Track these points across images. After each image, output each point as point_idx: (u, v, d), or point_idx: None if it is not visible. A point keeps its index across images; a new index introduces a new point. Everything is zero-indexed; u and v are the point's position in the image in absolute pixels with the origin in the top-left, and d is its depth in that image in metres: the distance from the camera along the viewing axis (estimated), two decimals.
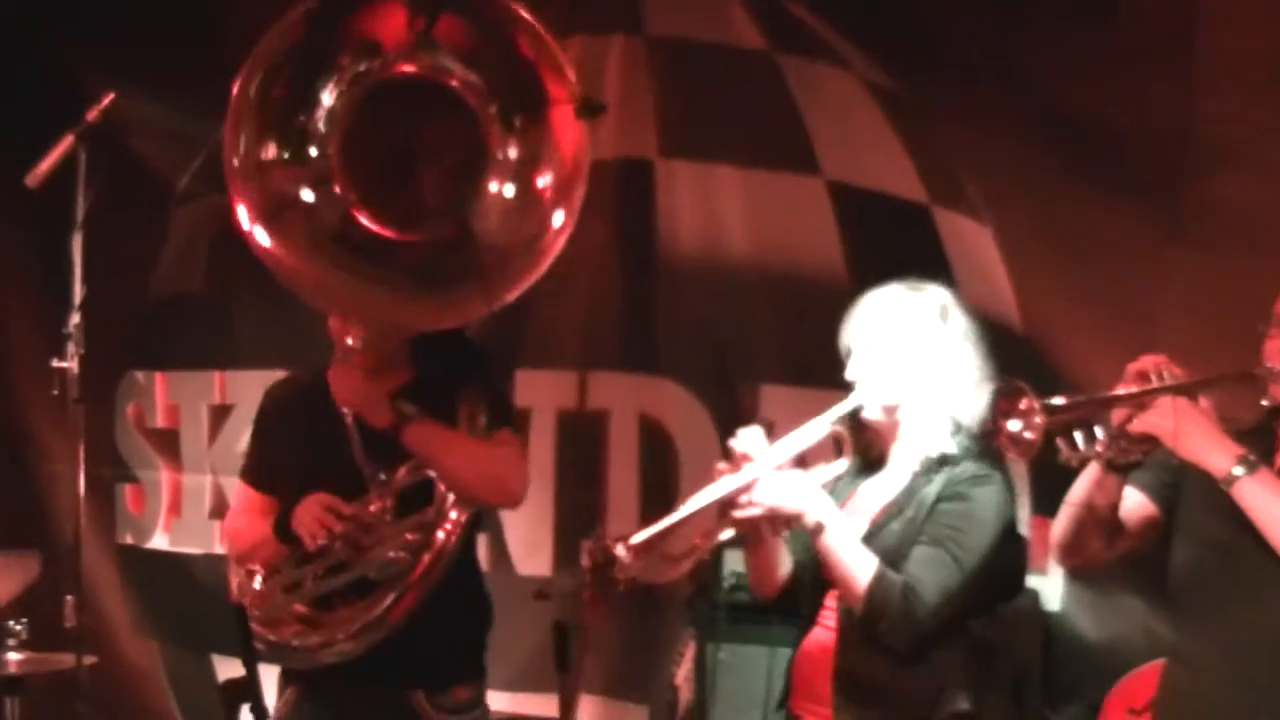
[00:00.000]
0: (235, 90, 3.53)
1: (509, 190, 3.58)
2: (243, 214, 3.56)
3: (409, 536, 3.94)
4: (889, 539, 3.59)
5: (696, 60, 5.37)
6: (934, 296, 3.73)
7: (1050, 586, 4.99)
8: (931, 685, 3.63)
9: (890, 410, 3.68)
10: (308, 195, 3.57)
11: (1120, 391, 3.37)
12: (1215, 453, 3.29)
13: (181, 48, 5.52)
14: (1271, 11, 4.65)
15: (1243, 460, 3.26)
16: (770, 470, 3.56)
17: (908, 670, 3.59)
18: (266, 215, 3.55)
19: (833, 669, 3.64)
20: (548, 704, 3.95)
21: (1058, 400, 3.31)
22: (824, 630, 3.72)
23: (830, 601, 3.71)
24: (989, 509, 3.59)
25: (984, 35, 5.02)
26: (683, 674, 4.97)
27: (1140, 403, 3.34)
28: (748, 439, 3.59)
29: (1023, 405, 3.27)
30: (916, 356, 3.66)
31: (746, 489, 3.54)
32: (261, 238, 3.54)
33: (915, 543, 3.57)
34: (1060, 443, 3.38)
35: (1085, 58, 4.86)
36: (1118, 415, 3.37)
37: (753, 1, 5.36)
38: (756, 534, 3.69)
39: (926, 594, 3.51)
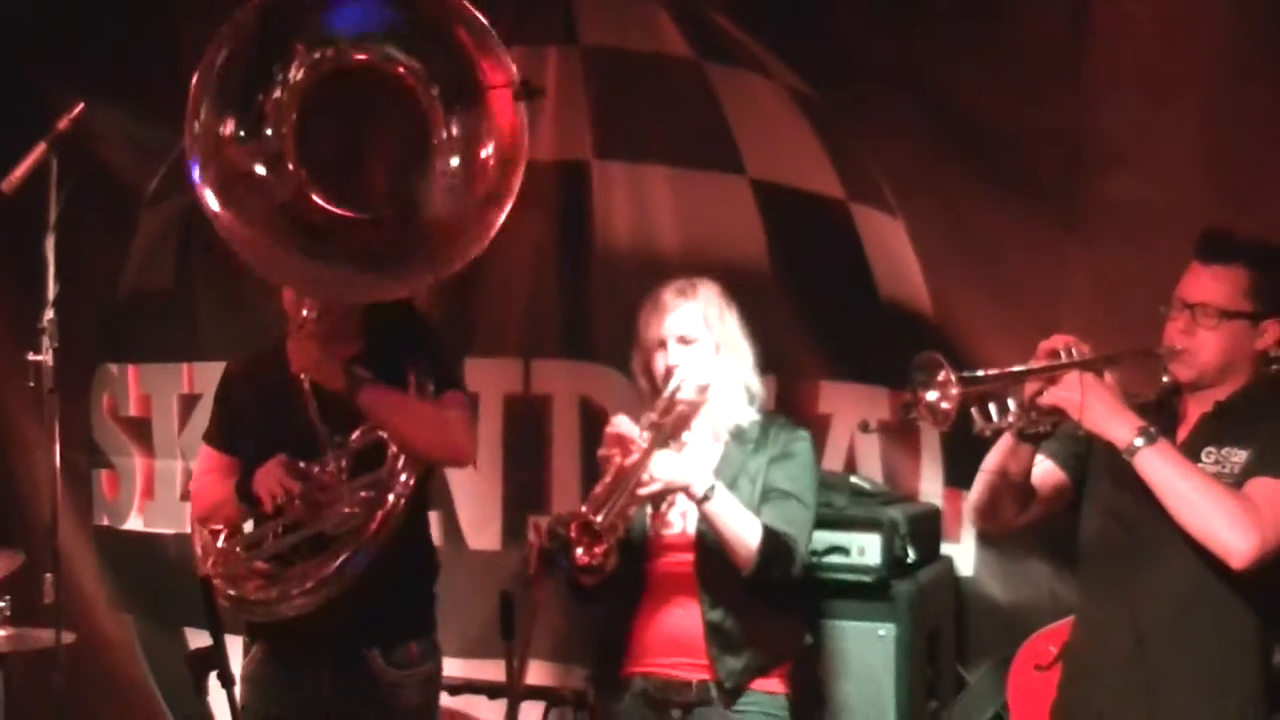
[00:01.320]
0: (200, 65, 3.51)
1: (453, 164, 3.58)
2: (200, 182, 3.52)
3: (363, 494, 3.91)
4: None
5: (628, 68, 5.37)
6: (715, 288, 4.03)
7: (962, 553, 5.05)
8: (788, 623, 3.98)
9: (703, 390, 3.89)
10: (261, 170, 3.57)
11: (1032, 366, 3.41)
12: (1118, 425, 3.33)
13: (145, 60, 5.49)
14: (1155, 22, 4.69)
15: (1143, 432, 3.30)
16: (657, 450, 3.72)
17: (773, 614, 3.88)
18: (222, 186, 3.53)
19: (702, 622, 3.82)
20: (498, 669, 3.94)
21: (973, 373, 3.36)
22: (663, 590, 3.90)
23: (662, 568, 3.91)
24: (810, 456, 3.99)
25: (893, 46, 5.05)
26: None
27: (1050, 377, 3.38)
28: (625, 424, 3.77)
29: (940, 377, 3.31)
30: (717, 339, 3.93)
31: (643, 467, 3.68)
32: (216, 206, 3.52)
33: (764, 500, 3.84)
34: (975, 414, 3.42)
35: (986, 66, 4.91)
36: (1028, 388, 3.41)
37: (680, 13, 5.36)
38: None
39: (800, 539, 3.82)
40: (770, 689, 3.87)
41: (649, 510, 3.90)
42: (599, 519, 3.56)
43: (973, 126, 4.96)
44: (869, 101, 5.13)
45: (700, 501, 3.72)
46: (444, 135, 3.58)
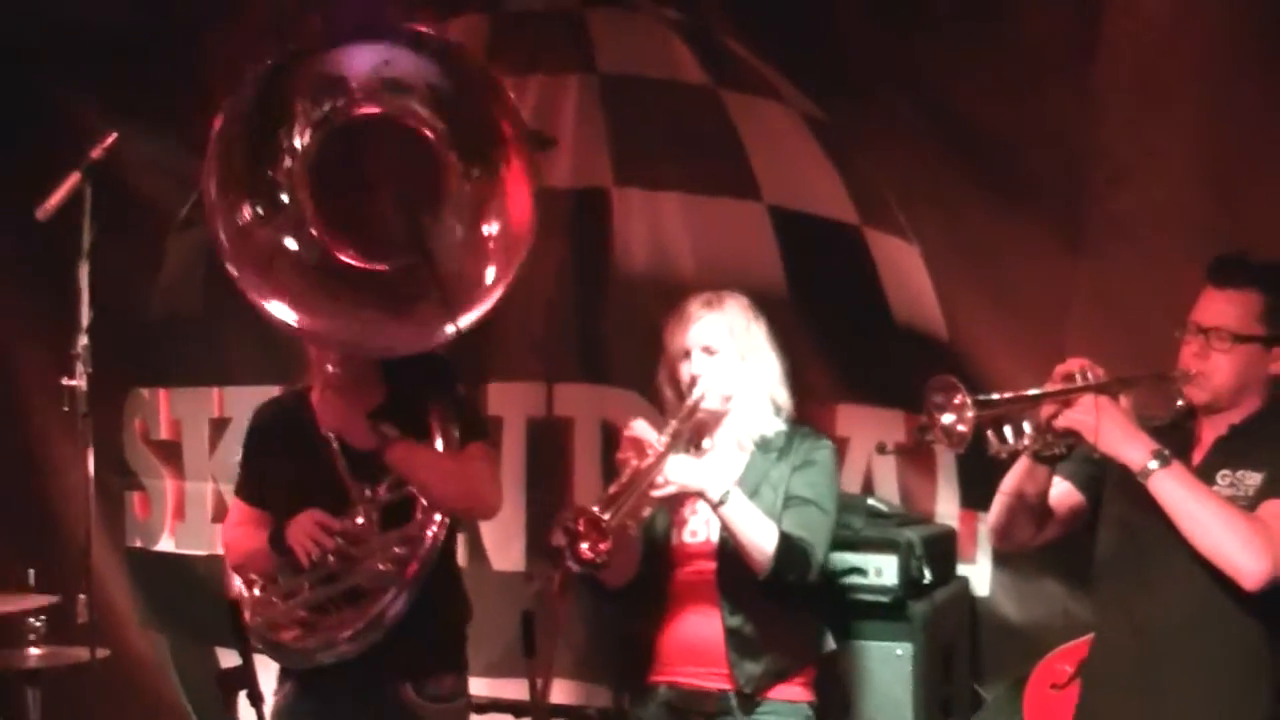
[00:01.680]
0: (208, 152, 3.57)
1: (458, 229, 3.63)
2: (241, 279, 3.61)
3: (396, 550, 3.94)
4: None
5: (645, 96, 5.38)
6: (743, 300, 4.02)
7: (978, 573, 5.04)
8: (807, 631, 3.95)
9: (727, 399, 3.92)
10: (291, 244, 3.60)
11: (1047, 389, 3.42)
12: (1132, 447, 3.33)
13: (175, 91, 5.52)
14: (1156, 42, 4.68)
15: (1157, 454, 3.30)
16: (673, 454, 3.74)
17: (793, 621, 3.87)
18: (259, 272, 3.59)
19: (722, 629, 3.82)
20: (522, 688, 3.96)
21: (988, 396, 3.36)
22: (686, 599, 3.91)
23: (686, 576, 3.92)
24: (831, 464, 3.99)
25: (903, 69, 5.04)
26: None
27: (1065, 400, 3.38)
28: (643, 429, 3.79)
29: (956, 400, 3.31)
30: (742, 350, 3.93)
31: (657, 469, 3.69)
32: (262, 296, 3.59)
33: (785, 506, 3.83)
34: (990, 436, 3.42)
35: (995, 86, 4.89)
36: (1044, 411, 3.42)
37: (696, 41, 5.37)
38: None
39: (817, 544, 3.81)
40: (790, 696, 3.85)
41: (671, 518, 3.93)
42: (606, 516, 3.56)
43: (981, 146, 4.95)
44: (880, 125, 5.12)
45: (716, 506, 3.72)
46: (456, 186, 3.63)
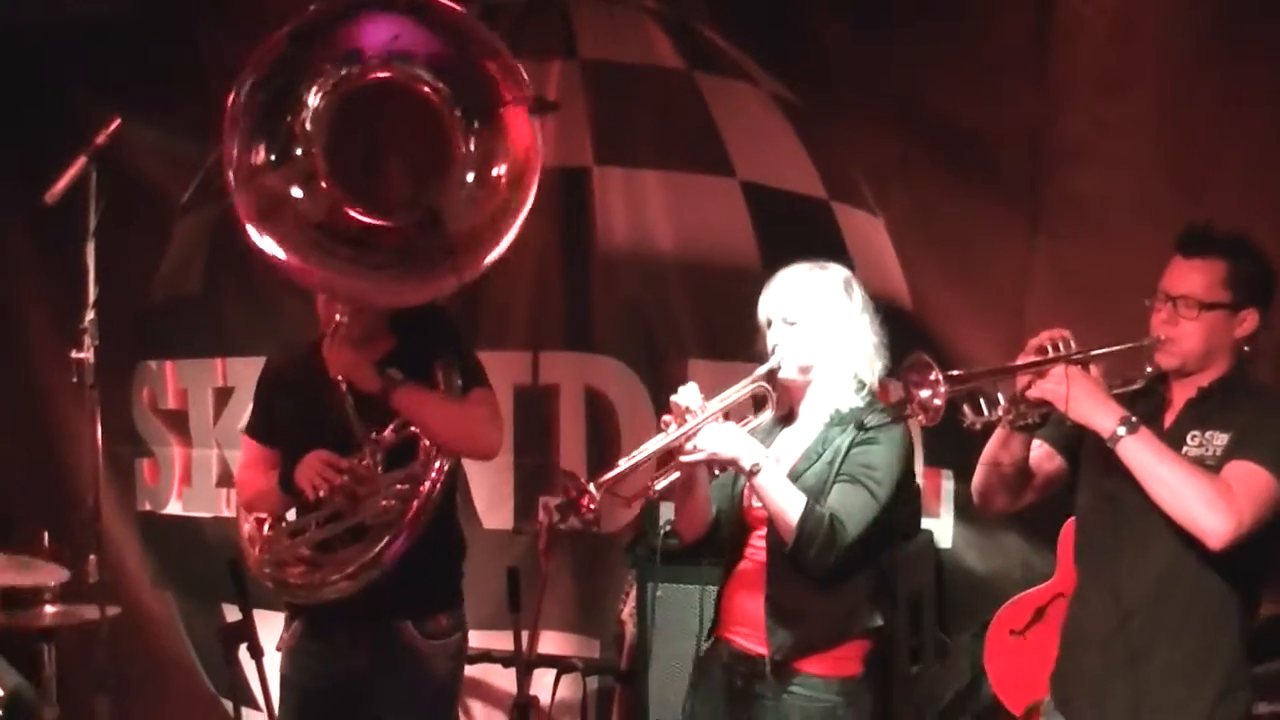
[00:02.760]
0: (229, 100, 3.52)
1: (469, 179, 3.57)
2: (245, 220, 3.53)
3: (399, 487, 3.93)
4: (809, 480, 3.64)
5: (624, 79, 5.38)
6: (838, 274, 3.78)
7: (941, 527, 5.07)
8: (846, 606, 3.70)
9: (805, 370, 3.73)
10: (297, 192, 3.57)
11: (1020, 361, 3.39)
12: (1102, 415, 3.30)
13: (176, 78, 5.52)
14: (1111, 27, 4.71)
15: (1125, 421, 3.27)
16: (710, 421, 3.60)
17: (827, 594, 3.66)
18: (264, 215, 3.54)
19: (764, 596, 3.69)
20: (511, 639, 3.99)
21: (961, 371, 3.35)
22: (750, 565, 3.76)
23: (755, 541, 3.76)
24: (895, 450, 3.66)
25: (869, 53, 5.06)
26: (627, 610, 5.02)
27: (1038, 371, 3.35)
28: (688, 394, 3.63)
29: (931, 377, 3.28)
30: (826, 324, 3.71)
31: (691, 437, 3.57)
32: (264, 241, 3.52)
33: (835, 481, 3.63)
34: (965, 408, 3.41)
35: (956, 71, 4.91)
36: (1018, 382, 3.40)
37: (672, 27, 5.38)
38: (691, 482, 3.74)
39: (850, 523, 3.57)
40: (821, 671, 3.66)
41: (743, 486, 3.78)
42: (592, 486, 3.49)
43: (943, 126, 4.97)
44: (847, 105, 5.14)
45: (748, 475, 3.59)
46: (463, 150, 3.58)
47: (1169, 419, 3.44)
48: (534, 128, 3.62)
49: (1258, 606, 3.42)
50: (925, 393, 3.30)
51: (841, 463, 3.65)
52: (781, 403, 3.83)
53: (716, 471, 3.79)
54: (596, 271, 5.40)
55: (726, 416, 3.69)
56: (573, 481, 3.54)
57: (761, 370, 3.71)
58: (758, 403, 3.82)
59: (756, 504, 3.73)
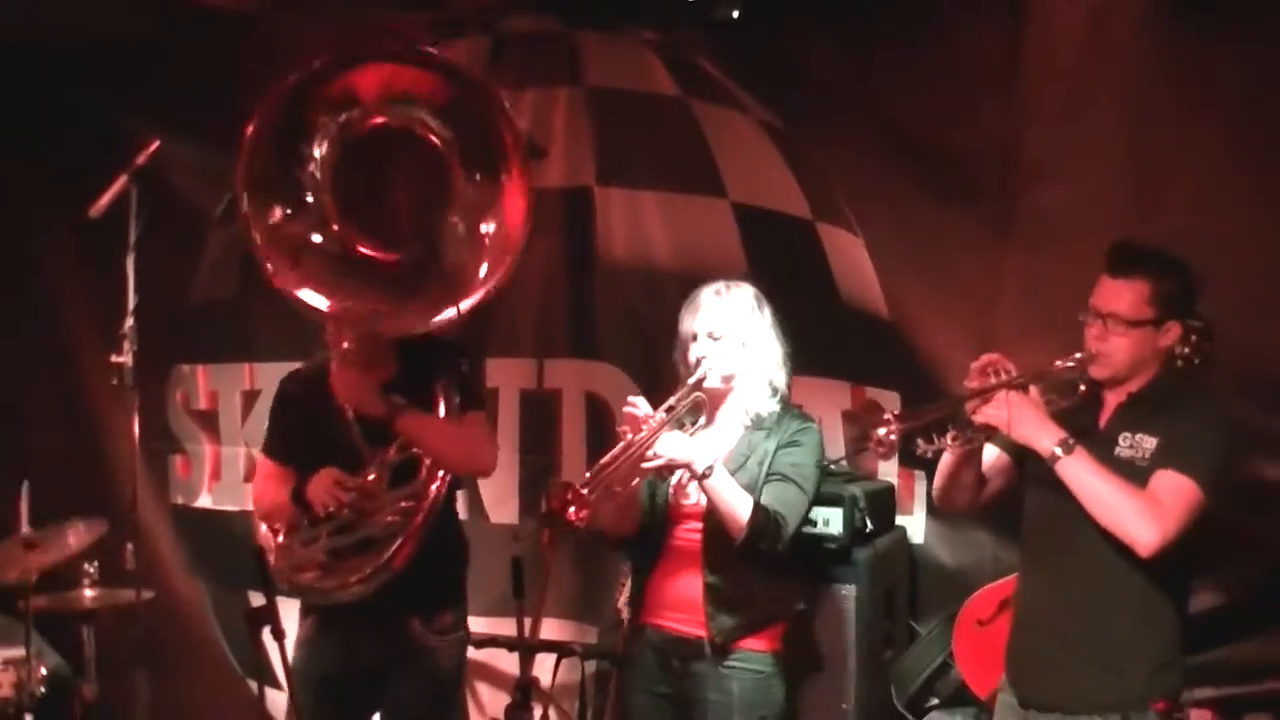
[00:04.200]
0: (239, 165, 3.60)
1: (461, 227, 3.66)
2: (272, 271, 3.65)
3: (403, 504, 3.98)
4: (740, 480, 3.77)
5: (625, 106, 5.40)
6: (748, 291, 3.95)
7: (914, 524, 5.09)
8: (779, 591, 3.89)
9: (728, 379, 3.88)
10: (316, 238, 3.64)
11: (965, 392, 3.47)
12: (1041, 437, 3.39)
13: (211, 101, 5.53)
14: (1076, 57, 4.72)
15: (1063, 443, 3.36)
16: (664, 430, 3.71)
17: (764, 582, 3.82)
18: (289, 263, 3.64)
19: (702, 584, 3.81)
20: (514, 625, 4.01)
21: (910, 410, 3.47)
22: (678, 554, 3.89)
23: (682, 533, 3.89)
24: (816, 451, 3.88)
25: (850, 82, 5.07)
26: (623, 599, 5.00)
27: (984, 398, 3.42)
28: (641, 404, 3.76)
29: (885, 417, 3.41)
30: (744, 338, 3.87)
31: (649, 445, 3.68)
32: (291, 284, 3.63)
33: (766, 481, 3.78)
34: (919, 440, 3.48)
35: (931, 96, 4.92)
36: (965, 408, 3.47)
37: (669, 58, 5.40)
38: (636, 486, 3.84)
39: (790, 515, 3.76)
40: (757, 648, 3.84)
41: (672, 483, 3.90)
42: (585, 491, 3.58)
43: (919, 147, 4.97)
44: (830, 131, 5.15)
45: (700, 478, 3.70)
46: (461, 191, 3.66)
47: (1103, 421, 3.52)
48: (528, 208, 3.70)
49: (1188, 593, 3.50)
50: (881, 431, 3.40)
51: (772, 463, 3.80)
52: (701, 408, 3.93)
53: (665, 474, 3.87)
54: (598, 284, 5.42)
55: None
56: (562, 491, 3.60)
57: (692, 380, 3.84)
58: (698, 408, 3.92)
59: (686, 501, 3.88)
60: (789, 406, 3.94)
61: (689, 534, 3.88)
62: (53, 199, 5.92)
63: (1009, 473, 3.69)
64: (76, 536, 5.00)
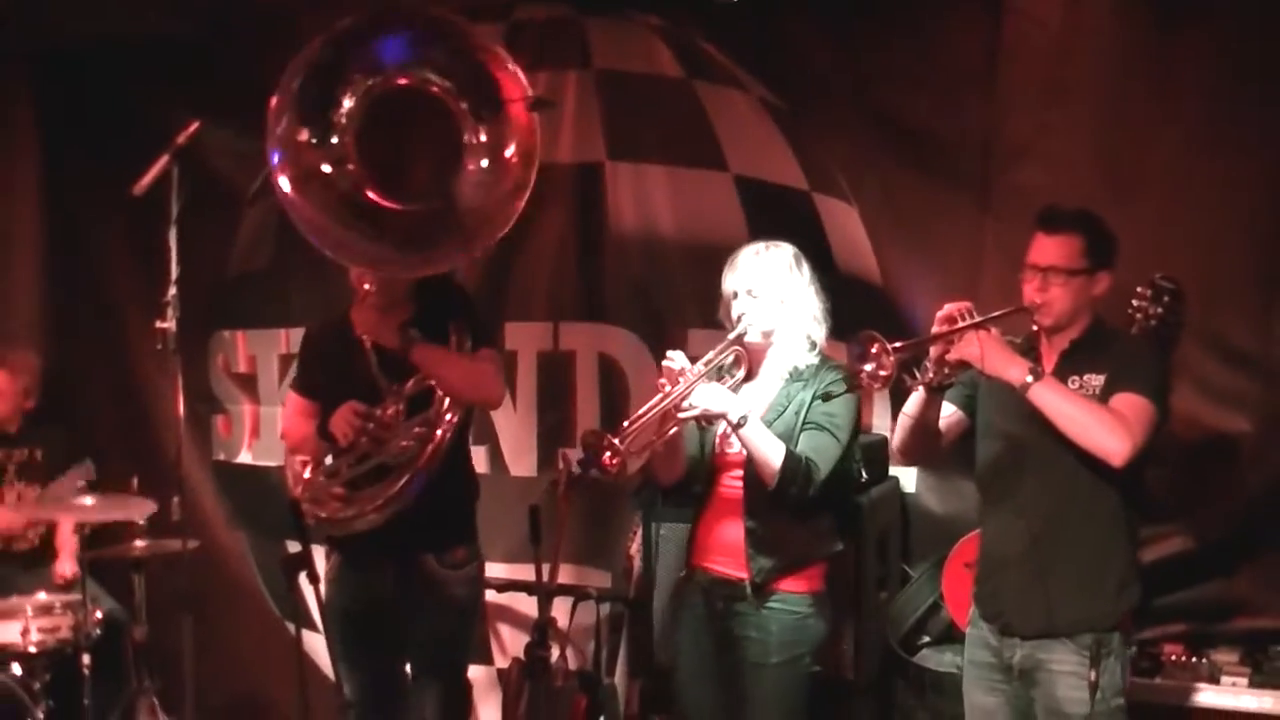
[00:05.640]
0: (279, 85, 3.59)
1: (483, 164, 3.63)
2: (278, 171, 3.61)
3: (416, 430, 4.00)
4: (778, 429, 3.75)
5: (633, 87, 5.39)
6: (788, 250, 3.90)
7: (906, 475, 5.12)
8: (814, 534, 3.85)
9: (767, 335, 3.85)
10: (327, 169, 3.63)
11: (943, 330, 3.51)
12: (1012, 368, 3.44)
13: (246, 87, 5.52)
14: (1052, 46, 4.76)
15: (1032, 371, 3.42)
16: (700, 382, 3.70)
17: (800, 524, 3.80)
18: (295, 178, 3.61)
19: (743, 529, 3.80)
20: (533, 570, 4.04)
21: (900, 343, 3.44)
22: (724, 501, 3.87)
23: (727, 481, 3.87)
24: (851, 401, 3.80)
25: (843, 63, 5.11)
26: (634, 546, 5.04)
27: (958, 337, 3.48)
28: (678, 358, 3.73)
29: (874, 350, 3.42)
30: (783, 295, 3.83)
31: (686, 396, 3.68)
32: (289, 190, 3.60)
33: (803, 429, 3.74)
34: (904, 376, 3.53)
35: (920, 81, 4.97)
36: (937, 349, 3.53)
37: (674, 41, 5.41)
38: (676, 436, 3.83)
39: (822, 462, 3.72)
40: (795, 588, 3.80)
41: (717, 435, 3.89)
42: (617, 440, 3.59)
43: (908, 128, 5.02)
44: (825, 109, 5.19)
45: (735, 427, 3.69)
46: (473, 140, 3.64)
47: (1049, 368, 3.56)
48: (534, 118, 3.68)
49: (1140, 514, 3.57)
50: (870, 365, 3.43)
51: (806, 413, 3.76)
52: (744, 362, 3.92)
53: (704, 424, 3.87)
54: (608, 252, 5.40)
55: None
56: (596, 439, 3.61)
57: (732, 335, 3.82)
58: (737, 361, 3.90)
59: (730, 450, 3.85)
60: (826, 359, 3.89)
61: (733, 482, 3.86)
62: (99, 178, 5.91)
63: (961, 425, 3.75)
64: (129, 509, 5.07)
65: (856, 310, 5.04)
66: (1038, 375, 3.41)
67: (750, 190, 5.25)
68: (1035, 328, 3.61)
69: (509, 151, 3.64)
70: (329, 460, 4.08)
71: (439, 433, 4.02)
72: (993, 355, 3.44)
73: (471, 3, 5.39)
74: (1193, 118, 4.57)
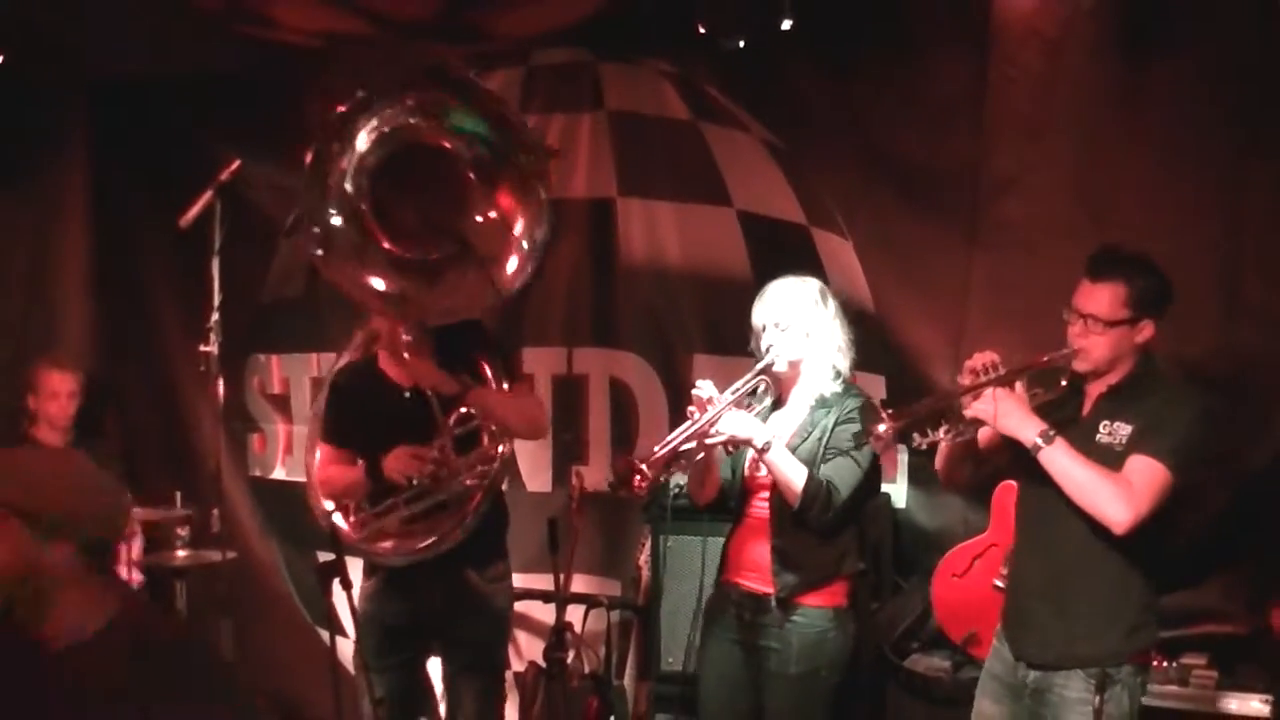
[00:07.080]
0: (304, 161, 3.68)
1: (490, 214, 3.68)
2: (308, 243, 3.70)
3: (480, 469, 4.01)
4: (802, 454, 3.74)
5: (643, 127, 5.40)
6: (814, 285, 3.87)
7: (897, 490, 5.12)
8: (837, 553, 3.81)
9: (794, 365, 3.83)
10: (338, 221, 3.69)
11: (957, 389, 3.45)
12: (1024, 429, 3.37)
13: (283, 128, 5.53)
14: (1033, 85, 4.76)
15: (1044, 435, 3.34)
16: (727, 410, 3.70)
17: (823, 544, 3.78)
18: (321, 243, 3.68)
19: (770, 547, 3.79)
20: (549, 580, 4.04)
21: (905, 407, 3.44)
22: (754, 520, 3.87)
23: (756, 502, 3.86)
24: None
25: (838, 106, 5.12)
26: (643, 557, 5.05)
27: (974, 394, 3.41)
28: (707, 387, 3.73)
29: (884, 415, 3.42)
30: (809, 327, 3.80)
31: (714, 423, 3.68)
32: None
33: (825, 454, 3.73)
34: (915, 435, 3.51)
35: (908, 119, 4.96)
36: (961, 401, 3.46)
37: (681, 85, 5.42)
38: (709, 459, 3.84)
39: (842, 486, 3.71)
40: (819, 603, 3.78)
41: (747, 460, 3.88)
42: (643, 465, 3.61)
43: (898, 163, 5.02)
44: (821, 148, 5.20)
45: (761, 452, 3.69)
46: (485, 193, 3.67)
47: (1086, 410, 3.48)
48: (545, 181, 3.73)
49: (1161, 561, 3.46)
50: (881, 427, 3.42)
51: (830, 438, 3.74)
52: (772, 390, 3.91)
53: (730, 449, 3.86)
54: (619, 282, 5.41)
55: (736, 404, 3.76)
56: (626, 464, 3.62)
57: (760, 366, 3.81)
58: (764, 389, 3.89)
59: (759, 473, 3.83)
60: (850, 386, 3.87)
61: (761, 503, 3.85)
62: (147, 211, 5.93)
63: (1005, 452, 3.62)
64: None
65: (853, 338, 5.07)
66: (1049, 439, 3.34)
67: (752, 225, 5.26)
68: (1064, 381, 3.52)
69: (518, 221, 3.68)
70: (376, 498, 4.05)
71: (496, 465, 4.04)
72: (1006, 415, 3.37)
73: (491, 49, 5.42)
74: (1164, 152, 4.58)
